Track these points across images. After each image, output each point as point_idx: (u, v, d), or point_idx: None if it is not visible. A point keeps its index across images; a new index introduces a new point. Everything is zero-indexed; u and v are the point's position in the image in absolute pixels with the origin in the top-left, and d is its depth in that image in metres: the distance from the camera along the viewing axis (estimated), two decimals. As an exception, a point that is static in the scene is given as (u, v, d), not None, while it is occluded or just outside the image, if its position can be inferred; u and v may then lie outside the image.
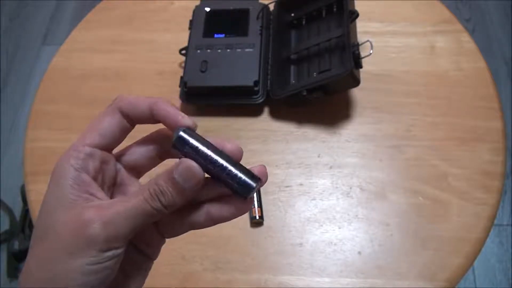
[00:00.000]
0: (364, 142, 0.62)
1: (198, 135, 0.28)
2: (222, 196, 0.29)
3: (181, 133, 0.27)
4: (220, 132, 0.64)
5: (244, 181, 0.27)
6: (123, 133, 0.30)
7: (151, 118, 0.29)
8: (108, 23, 0.77)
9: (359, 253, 0.54)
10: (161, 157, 0.32)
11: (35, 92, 0.70)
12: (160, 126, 0.31)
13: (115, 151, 0.31)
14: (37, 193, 0.61)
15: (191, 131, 0.28)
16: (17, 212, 1.25)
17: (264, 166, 0.30)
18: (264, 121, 0.65)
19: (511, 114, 1.31)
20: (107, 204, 0.27)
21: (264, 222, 0.57)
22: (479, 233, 0.55)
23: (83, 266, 0.25)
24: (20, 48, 1.59)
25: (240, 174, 0.27)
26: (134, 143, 0.31)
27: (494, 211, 0.56)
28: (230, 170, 0.27)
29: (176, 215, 0.29)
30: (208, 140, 0.28)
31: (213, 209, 0.29)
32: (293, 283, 0.53)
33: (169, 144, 0.28)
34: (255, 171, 0.29)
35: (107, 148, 0.29)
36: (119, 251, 0.27)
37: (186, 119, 0.28)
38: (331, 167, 0.61)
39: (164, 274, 0.53)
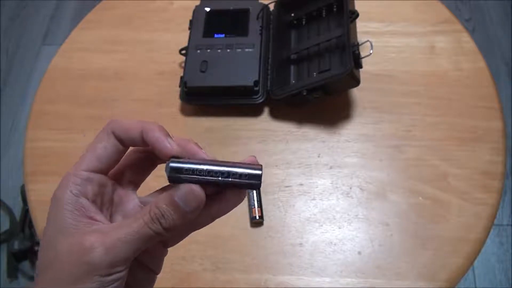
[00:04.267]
0: (364, 142, 0.62)
1: (188, 158, 0.28)
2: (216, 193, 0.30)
3: (171, 164, 0.28)
4: (220, 132, 0.64)
5: (251, 174, 0.28)
6: (119, 155, 0.30)
7: (143, 143, 0.29)
8: (108, 23, 0.77)
9: (359, 253, 0.54)
10: (153, 164, 0.32)
11: (35, 92, 0.70)
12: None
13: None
14: (37, 193, 0.61)
15: (179, 158, 0.28)
16: (17, 212, 1.25)
17: (254, 157, 0.30)
18: (264, 121, 0.65)
19: (511, 114, 1.31)
20: (107, 228, 0.27)
21: (264, 222, 0.57)
22: (479, 233, 0.55)
23: None
24: (20, 48, 1.59)
25: (245, 171, 0.28)
26: (125, 156, 0.31)
27: (494, 211, 0.56)
28: (234, 172, 0.28)
29: None
30: (197, 157, 0.29)
31: (212, 207, 0.29)
32: (293, 283, 0.53)
33: (159, 149, 0.29)
34: (248, 161, 0.29)
35: (104, 171, 0.30)
36: (122, 274, 0.27)
37: (173, 148, 0.28)
38: (331, 167, 0.61)
39: (164, 274, 0.53)
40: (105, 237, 0.26)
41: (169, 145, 0.28)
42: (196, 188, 0.27)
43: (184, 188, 0.27)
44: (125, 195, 0.31)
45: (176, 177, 0.28)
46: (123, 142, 0.30)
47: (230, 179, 0.28)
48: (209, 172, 0.28)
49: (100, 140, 0.29)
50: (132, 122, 0.29)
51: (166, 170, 0.28)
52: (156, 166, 0.32)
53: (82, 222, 0.27)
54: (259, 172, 0.28)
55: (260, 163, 0.29)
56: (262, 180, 0.28)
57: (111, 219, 0.30)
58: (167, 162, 0.28)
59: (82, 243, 0.26)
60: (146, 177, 0.33)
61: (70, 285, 0.26)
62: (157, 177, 0.33)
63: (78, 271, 0.26)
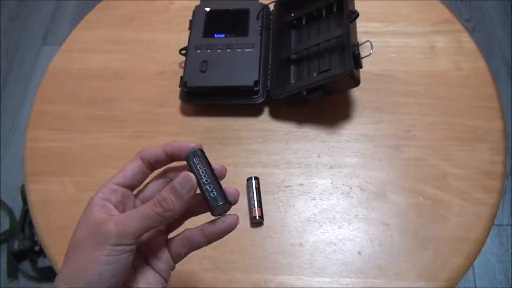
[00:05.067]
0: (364, 142, 0.62)
1: (204, 157, 0.37)
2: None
3: (192, 150, 0.37)
4: (220, 132, 0.64)
5: (215, 197, 0.35)
6: (142, 176, 0.38)
7: (166, 157, 0.38)
8: (108, 23, 0.77)
9: (359, 253, 0.54)
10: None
11: (35, 92, 0.70)
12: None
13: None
14: (37, 193, 0.61)
15: (200, 152, 0.37)
16: (17, 212, 1.25)
17: (237, 190, 0.38)
18: (264, 121, 0.65)
19: (511, 114, 1.31)
20: (119, 215, 0.35)
21: (264, 222, 0.57)
22: (479, 233, 0.55)
23: (98, 257, 0.32)
24: (20, 48, 1.60)
25: (214, 191, 0.35)
26: (149, 181, 0.40)
27: (494, 211, 0.56)
28: (210, 185, 0.36)
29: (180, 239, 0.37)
30: (208, 161, 0.37)
31: (207, 227, 0.36)
32: (293, 283, 0.53)
33: (175, 177, 0.36)
34: (229, 192, 0.37)
35: (127, 186, 0.38)
36: (130, 247, 0.33)
37: (195, 144, 0.37)
38: (331, 167, 0.61)
39: (164, 274, 0.53)
40: (116, 217, 0.34)
41: (191, 143, 0.37)
42: (190, 174, 0.35)
43: (181, 175, 0.35)
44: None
45: (188, 158, 0.37)
46: (150, 164, 0.38)
47: (204, 187, 0.36)
48: (201, 173, 0.36)
49: (130, 163, 0.38)
50: (156, 146, 0.38)
51: (187, 152, 0.37)
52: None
53: (104, 214, 0.35)
54: (219, 202, 0.35)
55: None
56: (221, 212, 0.36)
57: None
58: (191, 147, 0.37)
59: (98, 220, 0.34)
60: None
61: (86, 253, 0.32)
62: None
63: (93, 240, 0.33)
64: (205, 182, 0.36)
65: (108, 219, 0.33)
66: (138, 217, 0.33)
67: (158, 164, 0.38)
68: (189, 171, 0.36)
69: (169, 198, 0.34)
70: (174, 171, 0.39)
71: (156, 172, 0.40)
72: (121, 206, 0.37)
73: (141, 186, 0.40)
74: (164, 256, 0.38)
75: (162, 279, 0.37)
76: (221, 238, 0.37)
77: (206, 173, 0.36)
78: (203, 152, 0.37)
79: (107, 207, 0.35)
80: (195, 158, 0.36)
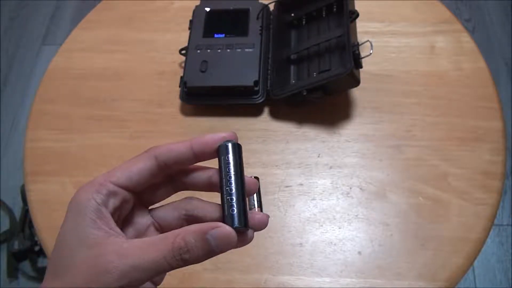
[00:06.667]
0: (364, 142, 0.62)
1: (239, 157, 0.30)
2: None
3: (229, 143, 0.30)
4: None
5: (232, 215, 0.28)
6: (151, 178, 0.30)
7: (191, 156, 0.30)
8: (108, 23, 0.77)
9: (359, 253, 0.54)
10: (175, 189, 0.33)
11: (35, 92, 0.70)
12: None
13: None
14: (37, 193, 0.61)
15: (234, 148, 0.30)
16: (17, 212, 1.25)
17: (267, 217, 0.31)
18: (264, 121, 0.65)
19: (511, 114, 1.31)
20: (126, 248, 0.27)
21: (264, 222, 0.57)
22: (479, 233, 0.55)
23: None
24: (20, 48, 1.59)
25: (235, 208, 0.29)
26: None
27: (494, 211, 0.56)
28: (231, 197, 0.29)
29: None
30: (242, 165, 0.30)
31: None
32: (293, 283, 0.53)
33: (184, 177, 0.31)
34: (255, 218, 0.30)
35: (131, 189, 0.30)
36: None
37: (228, 134, 0.30)
38: (331, 167, 0.61)
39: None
40: (122, 259, 0.26)
41: (225, 134, 0.31)
42: (232, 233, 0.27)
43: (222, 230, 0.27)
44: (138, 209, 0.32)
45: (220, 152, 0.30)
46: (167, 164, 0.30)
47: (226, 197, 0.29)
48: (228, 178, 0.29)
49: (138, 161, 0.30)
50: (174, 143, 0.30)
51: (222, 142, 0.30)
52: (177, 192, 0.33)
53: (102, 230, 0.28)
54: (236, 223, 0.28)
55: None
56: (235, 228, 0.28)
57: (122, 231, 0.31)
58: (228, 140, 0.30)
59: (99, 263, 0.26)
60: (164, 199, 0.33)
61: None
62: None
63: (89, 286, 0.26)
64: (228, 191, 0.29)
65: (109, 268, 0.26)
66: (148, 269, 0.26)
67: (177, 165, 0.30)
68: (208, 168, 0.30)
69: (195, 250, 0.27)
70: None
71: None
72: (117, 214, 0.30)
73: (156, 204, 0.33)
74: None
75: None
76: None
77: (232, 180, 0.29)
78: (240, 149, 0.30)
79: (104, 219, 0.28)
80: (227, 155, 0.29)
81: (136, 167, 0.30)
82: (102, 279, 0.26)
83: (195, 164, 0.31)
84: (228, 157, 0.29)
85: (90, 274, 0.26)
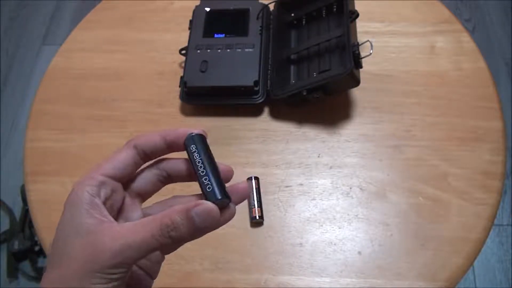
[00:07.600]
0: (364, 142, 0.62)
1: (204, 144, 0.33)
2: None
3: (191, 136, 0.32)
4: (220, 132, 0.64)
5: (211, 191, 0.31)
6: (134, 167, 0.33)
7: (164, 146, 0.33)
8: (108, 23, 0.77)
9: (359, 253, 0.54)
10: (163, 181, 0.34)
11: (35, 92, 0.70)
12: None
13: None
14: (37, 193, 0.61)
15: (199, 138, 0.32)
16: (17, 212, 1.25)
17: (245, 187, 0.33)
18: (264, 121, 0.65)
19: (511, 114, 1.31)
20: (118, 230, 0.29)
21: (264, 222, 0.57)
22: (479, 233, 0.55)
23: (89, 286, 0.28)
24: (20, 48, 1.59)
25: (211, 184, 0.31)
26: (139, 170, 0.34)
27: (494, 211, 0.56)
28: (206, 177, 0.31)
29: None
30: (210, 151, 0.33)
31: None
32: (293, 283, 0.53)
33: (171, 169, 0.33)
34: (239, 187, 0.32)
35: (117, 179, 0.32)
36: (124, 274, 0.29)
37: (197, 129, 0.33)
38: (331, 167, 0.61)
39: (163, 274, 0.53)
40: (114, 240, 0.28)
41: (193, 128, 0.33)
42: (214, 208, 0.29)
43: (204, 206, 0.29)
44: (131, 204, 0.34)
45: (187, 143, 0.32)
46: (145, 153, 0.33)
47: (201, 179, 0.31)
48: (200, 162, 0.32)
49: (121, 152, 0.32)
50: (151, 133, 0.33)
51: (186, 137, 0.32)
52: (165, 185, 0.35)
53: (96, 218, 0.29)
54: (218, 195, 0.30)
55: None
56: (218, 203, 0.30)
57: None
58: (192, 132, 0.33)
59: (94, 246, 0.28)
60: (154, 193, 0.35)
61: (76, 280, 0.28)
62: (159, 196, 0.35)
63: (84, 268, 0.28)
64: (201, 174, 0.31)
65: (103, 247, 0.28)
66: (139, 247, 0.28)
67: (155, 154, 0.33)
68: (187, 159, 0.33)
69: (181, 227, 0.28)
70: (169, 161, 0.34)
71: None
72: (109, 203, 0.32)
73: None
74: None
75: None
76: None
77: (202, 163, 0.32)
78: (204, 138, 0.33)
79: (97, 208, 0.30)
80: (192, 145, 0.32)
81: (120, 157, 0.32)
82: (96, 260, 0.28)
83: (178, 157, 0.34)
84: (193, 146, 0.32)
85: (85, 257, 0.28)
